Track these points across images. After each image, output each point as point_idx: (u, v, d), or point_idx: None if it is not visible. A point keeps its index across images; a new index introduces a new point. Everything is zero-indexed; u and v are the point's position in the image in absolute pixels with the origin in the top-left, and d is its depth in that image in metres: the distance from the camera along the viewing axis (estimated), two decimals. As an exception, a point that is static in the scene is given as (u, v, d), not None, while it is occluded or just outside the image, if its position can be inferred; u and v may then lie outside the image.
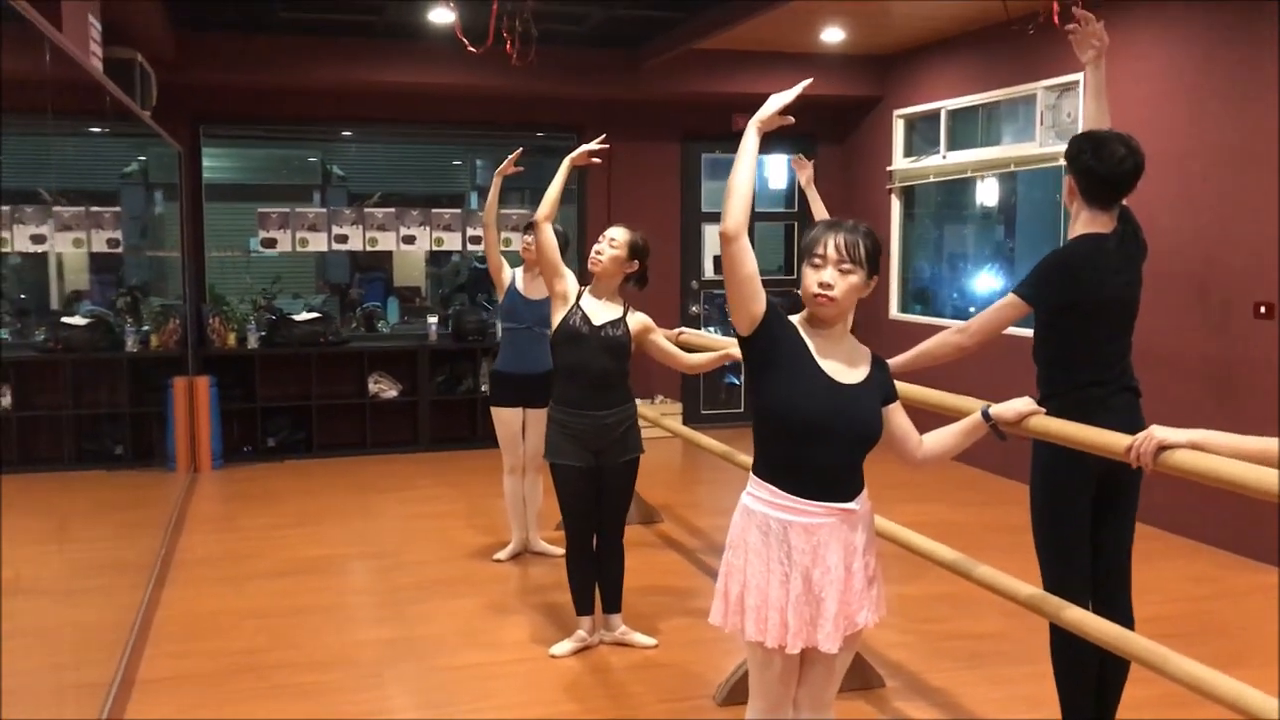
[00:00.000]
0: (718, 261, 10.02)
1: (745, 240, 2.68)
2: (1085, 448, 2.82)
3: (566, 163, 4.58)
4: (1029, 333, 3.56)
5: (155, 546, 6.11)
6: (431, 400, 9.05)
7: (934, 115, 8.70)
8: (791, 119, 2.75)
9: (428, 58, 8.44)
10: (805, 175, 5.51)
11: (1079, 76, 7.06)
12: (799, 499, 2.73)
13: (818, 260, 2.72)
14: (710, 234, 9.95)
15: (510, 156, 5.39)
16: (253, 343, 8.63)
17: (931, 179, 8.81)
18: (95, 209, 7.96)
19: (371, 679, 4.42)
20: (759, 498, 2.79)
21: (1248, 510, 5.75)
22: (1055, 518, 3.48)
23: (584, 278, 4.73)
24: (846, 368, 2.77)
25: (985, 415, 2.98)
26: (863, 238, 2.72)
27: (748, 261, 2.70)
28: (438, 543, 6.36)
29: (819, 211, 5.48)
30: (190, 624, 5.06)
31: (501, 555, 6.01)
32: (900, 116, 9.13)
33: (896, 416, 2.91)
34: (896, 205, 9.26)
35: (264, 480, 8.05)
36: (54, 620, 4.70)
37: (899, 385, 3.41)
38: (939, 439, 2.97)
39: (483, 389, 8.78)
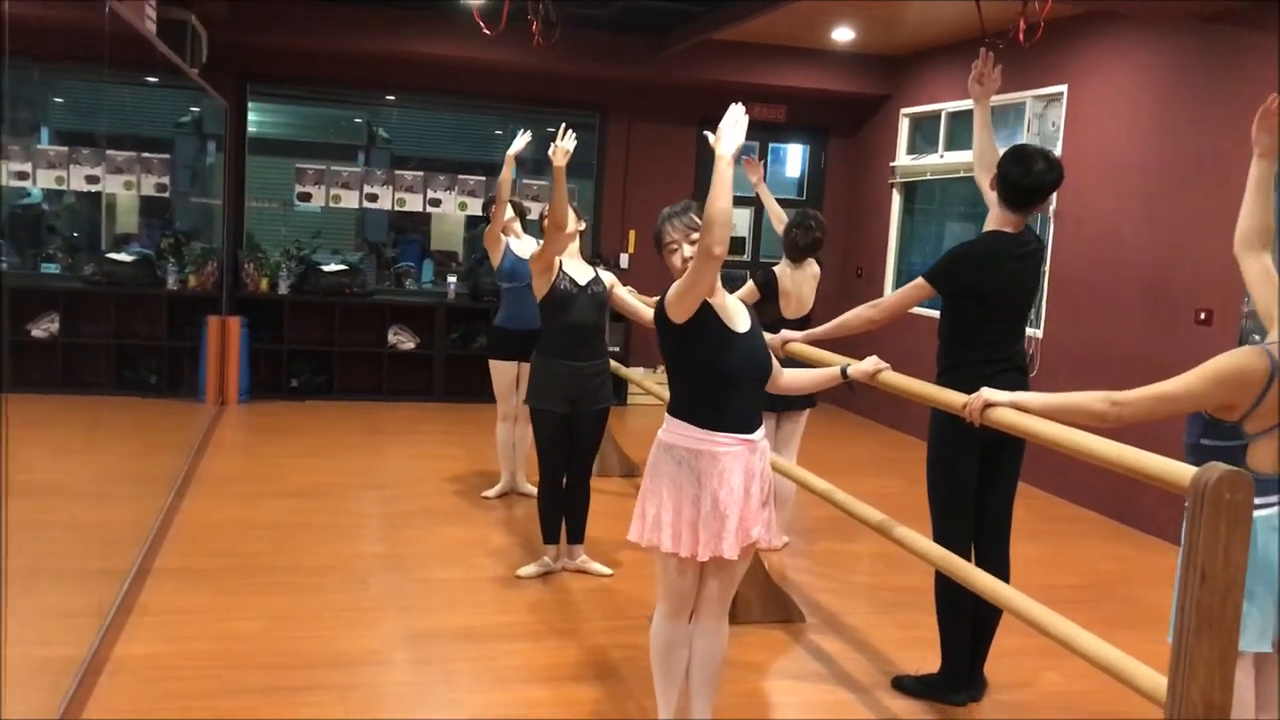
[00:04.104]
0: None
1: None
2: (931, 403, 3.35)
3: (558, 168, 4.89)
4: (936, 313, 4.08)
5: (179, 465, 6.75)
6: (446, 354, 9.64)
7: (936, 116, 9.15)
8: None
9: (464, 32, 8.91)
10: (755, 175, 6.05)
11: (1063, 88, 7.53)
12: (713, 433, 3.27)
13: (672, 245, 3.38)
14: (721, 216, 10.43)
15: (520, 141, 5.89)
16: (283, 289, 9.26)
17: (929, 176, 9.28)
18: (146, 155, 8.61)
19: (358, 583, 5.03)
20: (676, 433, 3.33)
21: (1167, 497, 6.24)
22: (945, 475, 4.00)
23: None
24: (738, 318, 3.34)
25: (843, 372, 3.55)
26: (694, 212, 3.34)
27: (717, 276, 3.21)
28: (434, 479, 6.96)
29: (772, 207, 6.00)
30: (203, 529, 5.69)
31: (490, 493, 6.60)
32: (906, 115, 9.60)
33: None
34: (897, 199, 9.74)
35: (285, 416, 8.68)
36: (84, 517, 5.34)
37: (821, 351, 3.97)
38: (796, 376, 3.60)
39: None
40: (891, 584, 5.40)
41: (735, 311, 3.37)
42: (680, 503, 3.28)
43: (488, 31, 5.95)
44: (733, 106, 3.17)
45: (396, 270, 10.20)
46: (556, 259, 5.04)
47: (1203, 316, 6.24)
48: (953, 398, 3.17)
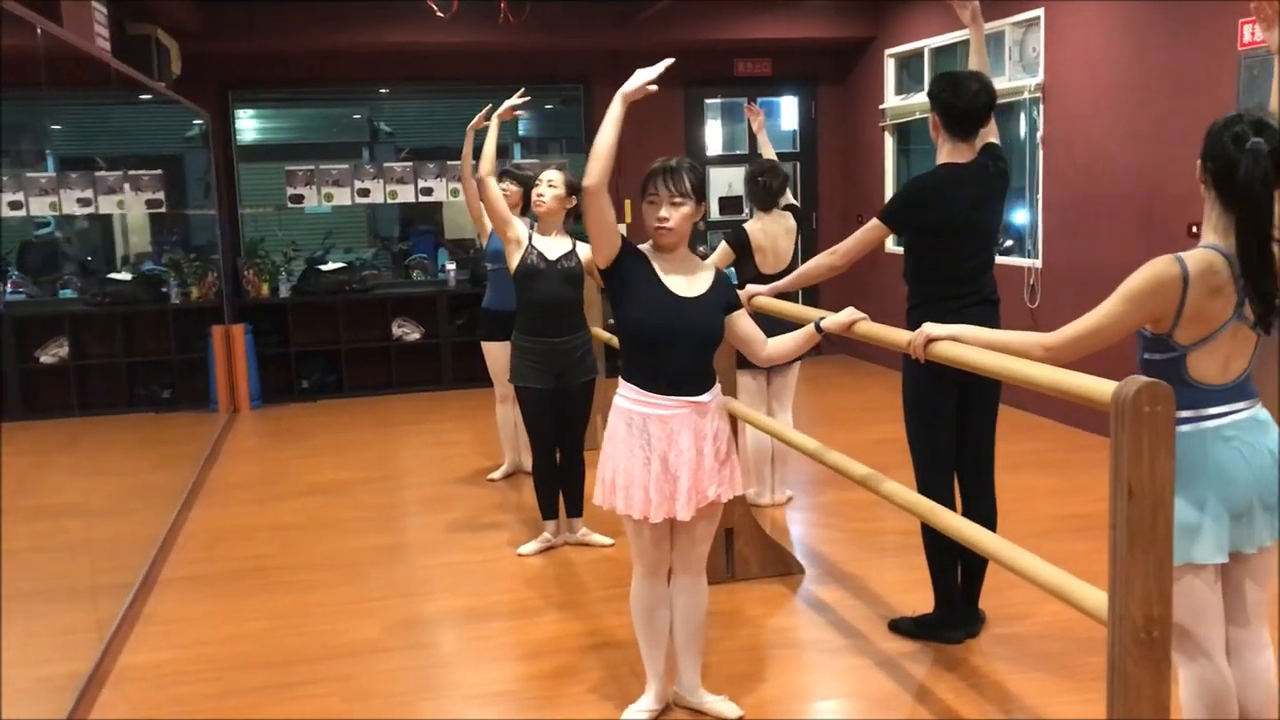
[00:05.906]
0: (724, 203, 10.48)
1: (605, 193, 3.18)
2: (884, 345, 3.30)
3: (495, 119, 5.05)
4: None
5: (189, 475, 6.82)
6: (452, 342, 9.66)
7: (920, 54, 9.03)
8: (655, 88, 3.23)
9: (437, 18, 8.92)
10: (757, 122, 6.03)
11: (1039, 12, 7.40)
12: (656, 395, 3.27)
13: (654, 198, 3.27)
14: (715, 176, 10.37)
15: (480, 114, 5.87)
16: (284, 292, 9.31)
17: (919, 115, 9.15)
18: (133, 173, 8.68)
19: (361, 576, 5.07)
20: (625, 396, 3.33)
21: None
22: (921, 417, 3.96)
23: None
24: (689, 284, 3.30)
25: (818, 326, 3.46)
26: (687, 173, 3.25)
27: (608, 209, 3.20)
28: (442, 467, 7.00)
29: (768, 152, 5.98)
30: (210, 536, 5.76)
31: (495, 475, 6.63)
32: (891, 56, 9.47)
33: (741, 323, 3.43)
34: (890, 142, 9.63)
35: (297, 418, 8.75)
36: (92, 535, 5.41)
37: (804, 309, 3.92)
38: (779, 343, 3.47)
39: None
40: (893, 528, 5.36)
41: (688, 277, 3.31)
42: (632, 465, 3.29)
43: (440, 14, 5.92)
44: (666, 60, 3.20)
45: (409, 263, 10.20)
46: (523, 233, 5.03)
47: (1195, 230, 6.12)
48: (898, 336, 3.13)
